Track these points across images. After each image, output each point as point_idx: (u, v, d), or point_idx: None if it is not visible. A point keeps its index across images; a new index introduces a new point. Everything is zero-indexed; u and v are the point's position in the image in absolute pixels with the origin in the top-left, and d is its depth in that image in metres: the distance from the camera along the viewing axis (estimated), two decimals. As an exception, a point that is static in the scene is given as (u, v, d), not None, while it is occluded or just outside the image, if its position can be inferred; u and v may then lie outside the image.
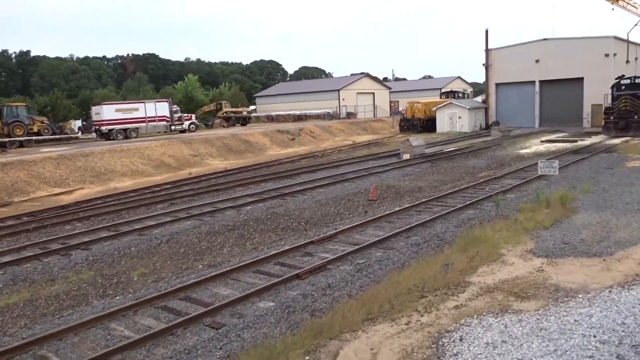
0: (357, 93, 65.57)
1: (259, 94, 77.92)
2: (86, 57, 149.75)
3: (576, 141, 31.35)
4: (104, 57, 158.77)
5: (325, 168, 26.18)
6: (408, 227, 12.22)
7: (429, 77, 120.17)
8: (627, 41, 30.40)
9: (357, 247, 10.84)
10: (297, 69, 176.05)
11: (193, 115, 47.63)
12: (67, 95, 78.45)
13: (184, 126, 45.44)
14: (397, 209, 14.80)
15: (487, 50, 47.43)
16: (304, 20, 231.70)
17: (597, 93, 39.41)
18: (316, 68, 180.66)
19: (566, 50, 43.16)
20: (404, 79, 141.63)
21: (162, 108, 43.74)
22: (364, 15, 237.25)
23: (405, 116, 48.84)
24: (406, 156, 29.04)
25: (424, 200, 15.81)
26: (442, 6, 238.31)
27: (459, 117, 45.65)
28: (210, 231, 13.99)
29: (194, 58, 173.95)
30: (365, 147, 37.94)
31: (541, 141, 32.69)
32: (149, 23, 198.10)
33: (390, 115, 63.22)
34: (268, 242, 12.58)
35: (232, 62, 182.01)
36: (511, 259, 9.64)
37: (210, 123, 54.68)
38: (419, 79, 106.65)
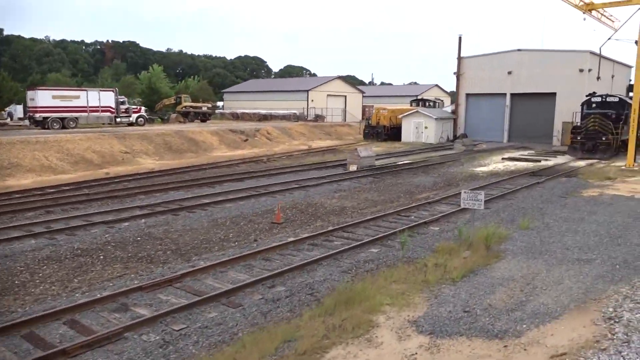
0: (328, 95, 62.91)
1: (227, 89, 74.84)
2: (63, 41, 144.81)
3: (539, 161, 29.06)
4: (82, 41, 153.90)
5: (257, 176, 23.40)
6: (280, 270, 9.49)
7: (415, 83, 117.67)
8: (600, 56, 28.32)
9: (195, 299, 8.08)
10: (283, 67, 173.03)
11: (143, 108, 44.43)
12: (40, 79, 73.84)
13: (131, 119, 42.26)
14: (291, 239, 12.08)
15: (460, 58, 45.10)
16: (295, 19, 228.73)
17: (569, 110, 37.29)
18: (301, 67, 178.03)
19: (540, 63, 41.02)
20: (390, 84, 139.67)
21: (106, 98, 40.52)
22: (356, 19, 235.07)
23: (370, 123, 46.26)
24: (353, 167, 26.46)
25: (330, 229, 13.11)
26: (434, 13, 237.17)
27: (425, 127, 43.22)
28: (50, 257, 11.11)
29: (176, 49, 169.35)
30: (319, 154, 35.25)
31: (502, 158, 30.35)
32: (138, 12, 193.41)
33: (362, 120, 60.68)
34: (103, 279, 9.75)
35: (216, 56, 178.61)
36: (382, 336, 6.97)
37: (166, 117, 51.44)
38: (399, 85, 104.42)
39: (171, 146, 33.84)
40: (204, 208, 16.06)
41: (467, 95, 45.40)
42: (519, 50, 42.15)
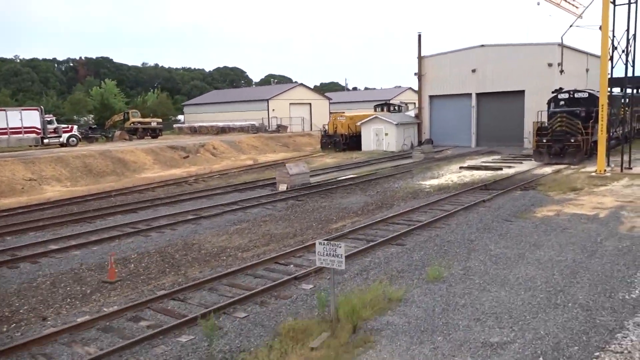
0: (291, 104, 59.35)
1: (187, 102, 71.14)
2: (33, 59, 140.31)
3: (501, 169, 25.57)
4: (54, 59, 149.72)
5: (159, 205, 19.70)
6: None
7: (398, 87, 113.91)
8: (562, 46, 24.99)
9: None
10: (264, 77, 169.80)
11: (75, 127, 40.55)
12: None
13: (61, 139, 38.38)
14: (79, 321, 8.35)
15: (420, 58, 41.70)
16: (275, 29, 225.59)
17: (539, 108, 33.90)
18: (282, 76, 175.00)
19: (505, 59, 37.73)
20: (366, 89, 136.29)
21: (30, 118, 36.51)
22: (337, 26, 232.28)
23: (327, 131, 42.69)
24: (282, 187, 22.86)
25: (161, 293, 9.40)
26: (412, 15, 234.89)
27: (386, 134, 39.71)
28: None
29: (152, 63, 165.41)
30: (261, 170, 31.59)
31: (460, 167, 26.84)
32: (116, 29, 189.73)
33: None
34: None
35: (194, 69, 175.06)
36: None
37: (110, 135, 47.58)
38: (370, 90, 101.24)
39: (92, 169, 30.05)
40: (37, 260, 12.30)
41: (431, 97, 42.00)
42: (482, 46, 38.86)
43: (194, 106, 67.47)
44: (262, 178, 26.82)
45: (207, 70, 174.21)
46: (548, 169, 24.44)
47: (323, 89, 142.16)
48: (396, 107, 48.26)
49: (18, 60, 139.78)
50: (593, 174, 21.89)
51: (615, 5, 21.62)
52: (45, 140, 37.41)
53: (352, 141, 41.43)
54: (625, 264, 9.96)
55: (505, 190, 18.78)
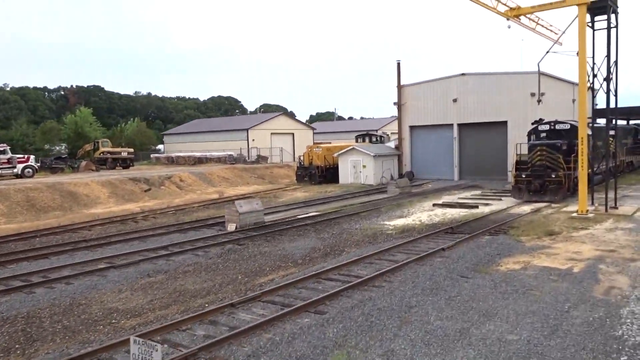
0: (272, 133, 57.47)
1: (167, 132, 69.32)
2: (22, 87, 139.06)
3: (477, 206, 23.34)
4: (45, 87, 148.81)
5: (78, 249, 17.30)
6: None
7: (394, 117, 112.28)
8: (540, 73, 23.16)
9: None
10: (259, 106, 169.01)
11: (32, 157, 38.32)
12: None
13: (15, 170, 36.14)
14: None
15: (400, 87, 39.97)
16: (271, 58, 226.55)
17: (523, 140, 31.94)
18: (278, 106, 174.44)
19: (487, 88, 35.98)
20: (369, 119, 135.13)
21: (-21, 148, 34.47)
22: (334, 56, 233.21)
23: (302, 163, 40.61)
24: (231, 227, 20.63)
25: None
26: (404, 48, 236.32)
27: (364, 166, 37.62)
28: None
29: (144, 92, 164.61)
30: (224, 205, 29.27)
31: (434, 205, 24.62)
32: (108, 58, 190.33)
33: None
34: None
35: (189, 97, 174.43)
36: None
37: (76, 165, 45.37)
38: (356, 120, 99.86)
39: (35, 203, 27.71)
40: None
41: (411, 127, 40.09)
42: (462, 74, 37.14)
43: (174, 135, 65.60)
44: (217, 215, 24.51)
45: (201, 99, 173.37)
46: (527, 208, 22.21)
47: (319, 119, 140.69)
48: (378, 138, 46.47)
49: (8, 89, 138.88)
50: (574, 214, 19.64)
51: (594, 30, 19.77)
52: (-1, 172, 35.23)
53: (329, 173, 39.38)
54: (592, 348, 7.62)
55: (472, 234, 16.47)
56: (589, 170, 21.18)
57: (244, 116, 79.12)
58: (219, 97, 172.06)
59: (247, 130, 55.28)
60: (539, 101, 25.36)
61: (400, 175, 39.44)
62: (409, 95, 39.84)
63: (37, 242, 19.24)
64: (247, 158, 53.67)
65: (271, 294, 10.88)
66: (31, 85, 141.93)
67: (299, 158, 42.04)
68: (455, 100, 37.31)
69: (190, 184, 37.62)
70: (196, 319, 9.44)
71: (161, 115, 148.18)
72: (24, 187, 28.84)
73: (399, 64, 39.79)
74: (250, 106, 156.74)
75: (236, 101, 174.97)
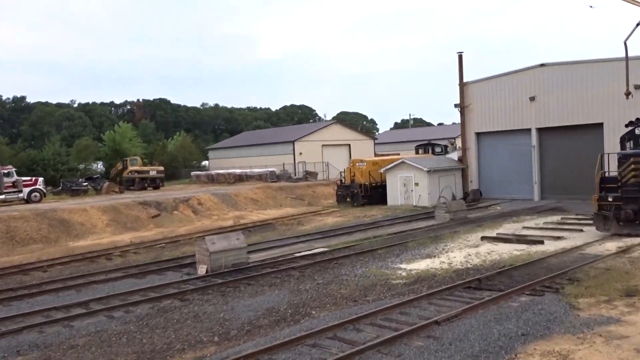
0: (323, 145, 54.38)
1: (212, 146, 68.46)
2: (87, 104, 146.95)
3: (541, 241, 18.64)
4: (112, 102, 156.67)
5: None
6: None
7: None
8: (627, 57, 18.06)
9: None
10: (336, 114, 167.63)
11: (41, 179, 37.81)
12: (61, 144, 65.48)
13: (21, 195, 35.69)
14: None
15: (462, 84, 35.34)
16: (352, 64, 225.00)
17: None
18: (357, 113, 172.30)
19: (574, 82, 30.53)
20: (454, 124, 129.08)
21: (-22, 171, 34.29)
22: (421, 59, 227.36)
23: (343, 181, 37.09)
24: (202, 269, 17.78)
25: None
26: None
27: (416, 184, 33.38)
28: None
29: (212, 103, 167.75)
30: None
31: (482, 237, 20.15)
32: (174, 72, 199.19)
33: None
34: None
35: (259, 108, 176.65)
36: None
37: (99, 187, 44.84)
38: (428, 127, 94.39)
39: (15, 235, 26.50)
40: None
41: (478, 134, 35.29)
42: (542, 65, 31.93)
43: (219, 150, 64.55)
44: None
45: (273, 109, 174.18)
46: (612, 245, 17.17)
47: (403, 127, 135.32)
48: (442, 148, 42.00)
49: (75, 105, 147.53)
50: (680, 258, 14.50)
51: None
52: (2, 197, 34.86)
53: (376, 193, 35.53)
54: None
55: (504, 292, 12.12)
56: None
57: (291, 126, 76.84)
58: (292, 105, 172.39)
59: (293, 142, 52.61)
60: (628, 94, 20.10)
61: (465, 194, 34.73)
62: (474, 95, 35.14)
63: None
64: (293, 174, 50.93)
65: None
66: (98, 101, 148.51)
67: (340, 175, 38.48)
68: (532, 99, 32.16)
69: (209, 207, 35.36)
70: None
71: (229, 127, 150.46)
72: (7, 216, 27.72)
73: (460, 57, 35.27)
74: (327, 115, 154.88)
75: (310, 110, 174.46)
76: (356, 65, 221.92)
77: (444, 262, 16.78)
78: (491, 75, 34.39)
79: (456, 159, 36.81)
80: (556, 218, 24.70)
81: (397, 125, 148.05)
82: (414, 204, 33.17)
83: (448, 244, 19.73)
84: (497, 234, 20.84)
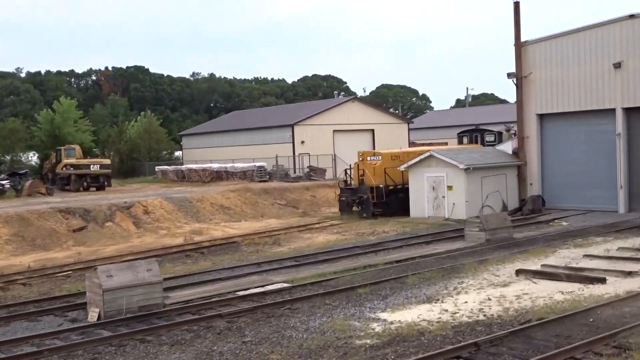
0: (335, 131, 52.86)
1: (187, 131, 67.69)
2: (40, 73, 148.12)
3: (603, 280, 16.92)
4: (71, 72, 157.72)
5: None
6: None
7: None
8: None
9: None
10: (374, 89, 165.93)
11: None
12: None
13: None
14: None
15: (519, 45, 33.63)
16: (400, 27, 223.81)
17: None
18: (403, 86, 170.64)
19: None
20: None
21: None
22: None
23: (348, 182, 35.74)
24: (93, 315, 16.67)
25: None
26: None
27: (449, 187, 31.73)
28: None
29: (205, 73, 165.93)
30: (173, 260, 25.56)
31: (518, 271, 18.50)
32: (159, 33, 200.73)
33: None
34: None
35: (271, 80, 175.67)
36: None
37: (19, 187, 44.20)
38: (482, 107, 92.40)
39: None
40: None
41: (541, 117, 33.85)
42: (631, 16, 30.33)
43: (196, 137, 63.68)
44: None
45: (288, 81, 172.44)
46: None
47: (460, 106, 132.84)
48: (495, 136, 40.42)
49: (22, 75, 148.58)
50: None
51: None
52: None
53: (395, 200, 34.16)
54: None
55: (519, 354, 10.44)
56: None
57: (292, 105, 75.64)
58: (314, 76, 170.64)
59: (292, 126, 51.22)
60: None
61: (522, 203, 33.02)
62: (535, 60, 33.97)
63: None
64: (290, 171, 49.62)
65: None
66: (53, 70, 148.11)
67: (345, 173, 36.97)
68: (618, 65, 30.59)
69: (158, 217, 34.60)
70: None
71: (228, 105, 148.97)
72: None
73: (516, 4, 33.57)
74: (360, 89, 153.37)
75: (339, 82, 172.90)
76: (405, 25, 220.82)
77: (446, 310, 15.18)
78: (559, 32, 33.18)
79: (510, 152, 35.09)
80: (639, 241, 22.93)
81: (459, 104, 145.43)
82: (446, 216, 31.76)
83: (465, 280, 18.17)
84: (541, 265, 19.19)
